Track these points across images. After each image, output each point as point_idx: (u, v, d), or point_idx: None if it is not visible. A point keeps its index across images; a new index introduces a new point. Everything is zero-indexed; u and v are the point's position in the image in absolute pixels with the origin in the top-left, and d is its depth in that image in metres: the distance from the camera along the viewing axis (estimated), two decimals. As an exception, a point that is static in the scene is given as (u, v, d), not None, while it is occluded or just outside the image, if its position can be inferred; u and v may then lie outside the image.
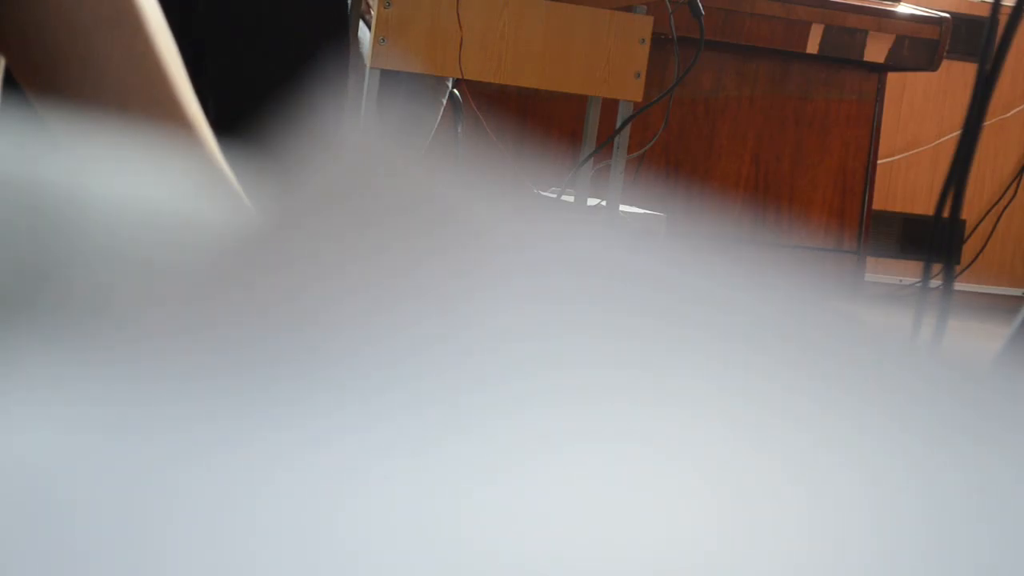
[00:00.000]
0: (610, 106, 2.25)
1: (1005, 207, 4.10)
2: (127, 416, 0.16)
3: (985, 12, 3.81)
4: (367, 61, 2.07)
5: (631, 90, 2.12)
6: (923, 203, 4.02)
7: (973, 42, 3.89)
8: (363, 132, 0.20)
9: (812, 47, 3.36)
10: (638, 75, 2.11)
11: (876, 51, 3.40)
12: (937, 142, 4.01)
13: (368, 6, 2.20)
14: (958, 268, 3.99)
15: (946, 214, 1.02)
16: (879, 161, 3.66)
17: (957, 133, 1.04)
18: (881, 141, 3.61)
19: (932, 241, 1.05)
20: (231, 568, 0.14)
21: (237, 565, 0.14)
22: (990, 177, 4.08)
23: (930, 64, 3.44)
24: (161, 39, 0.60)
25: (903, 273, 4.02)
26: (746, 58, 3.40)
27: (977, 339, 3.18)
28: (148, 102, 0.59)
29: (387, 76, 2.12)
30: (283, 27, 1.86)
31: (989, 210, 4.10)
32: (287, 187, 0.19)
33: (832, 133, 3.50)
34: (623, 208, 2.29)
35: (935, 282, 1.03)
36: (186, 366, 0.17)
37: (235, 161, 0.59)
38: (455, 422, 0.16)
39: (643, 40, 2.11)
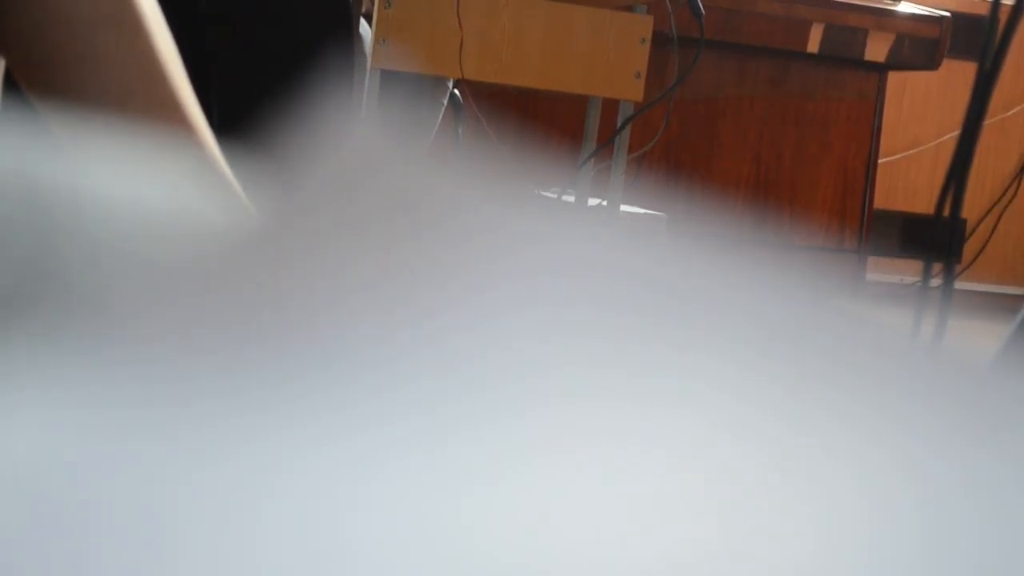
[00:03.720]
0: (610, 106, 2.24)
1: (1006, 206, 4.10)
2: (130, 416, 0.16)
3: (985, 11, 3.80)
4: (368, 60, 2.07)
5: (631, 90, 2.12)
6: (924, 202, 4.02)
7: (973, 41, 3.89)
8: (364, 132, 0.20)
9: (812, 46, 3.36)
10: (638, 75, 2.11)
11: (876, 50, 3.40)
12: (938, 141, 4.01)
13: (371, 4, 2.20)
14: (959, 267, 3.99)
15: (947, 213, 1.02)
16: (880, 160, 3.66)
17: (958, 132, 1.04)
18: (882, 140, 3.61)
19: (933, 240, 1.04)
20: (237, 567, 0.14)
21: (243, 564, 0.14)
22: (991, 176, 4.08)
23: (931, 63, 3.44)
24: (161, 39, 0.60)
25: (904, 272, 4.02)
26: (746, 58, 3.40)
27: (977, 339, 3.18)
28: (148, 102, 0.59)
29: (387, 76, 2.12)
30: (285, 27, 1.86)
31: (990, 209, 4.10)
32: (287, 187, 0.19)
33: (833, 132, 3.50)
34: (624, 208, 2.29)
35: (936, 281, 1.03)
36: (187, 366, 0.17)
37: (236, 161, 0.59)
38: (457, 422, 0.16)
39: (643, 40, 2.11)
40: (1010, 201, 4.10)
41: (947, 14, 3.43)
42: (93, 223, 0.27)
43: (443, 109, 2.40)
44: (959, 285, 3.96)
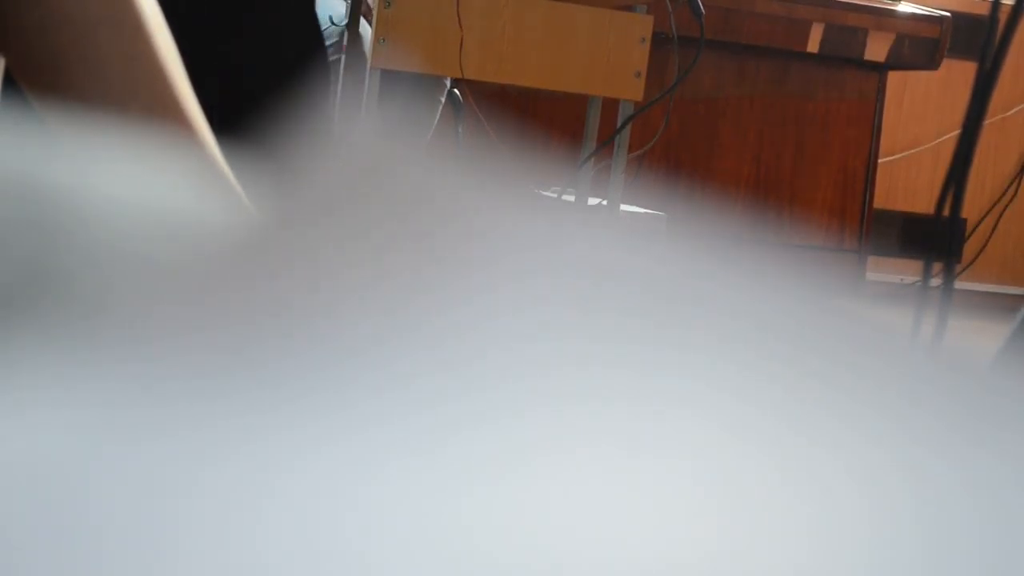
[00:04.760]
0: (611, 106, 2.24)
1: (1007, 206, 4.10)
2: (130, 416, 0.16)
3: (985, 10, 3.79)
4: (368, 59, 2.07)
5: (631, 90, 2.12)
6: (924, 202, 4.02)
7: (973, 41, 3.89)
8: (363, 132, 0.20)
9: (812, 46, 3.36)
10: (638, 74, 2.11)
11: (876, 50, 3.40)
12: (938, 140, 4.01)
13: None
14: (959, 267, 3.99)
15: (947, 212, 1.02)
16: (880, 160, 3.66)
17: (958, 132, 1.04)
18: (882, 140, 3.62)
19: (933, 240, 1.04)
20: (237, 567, 0.14)
21: (243, 564, 0.14)
22: (991, 175, 4.08)
23: (931, 63, 3.44)
24: (161, 39, 0.60)
25: (904, 272, 4.02)
26: (746, 57, 3.40)
27: (977, 339, 3.17)
28: (148, 102, 0.59)
29: (386, 75, 2.12)
30: (265, 29, 1.86)
31: (990, 209, 4.10)
32: (287, 187, 0.19)
33: (833, 132, 3.50)
34: (624, 208, 2.29)
35: (936, 281, 1.03)
36: (188, 366, 0.17)
37: (236, 161, 0.59)
38: (458, 422, 0.16)
39: (643, 39, 2.11)
40: (1010, 201, 4.10)
41: (947, 14, 3.43)
42: (93, 223, 0.27)
43: (440, 107, 2.40)
44: (959, 285, 3.96)
